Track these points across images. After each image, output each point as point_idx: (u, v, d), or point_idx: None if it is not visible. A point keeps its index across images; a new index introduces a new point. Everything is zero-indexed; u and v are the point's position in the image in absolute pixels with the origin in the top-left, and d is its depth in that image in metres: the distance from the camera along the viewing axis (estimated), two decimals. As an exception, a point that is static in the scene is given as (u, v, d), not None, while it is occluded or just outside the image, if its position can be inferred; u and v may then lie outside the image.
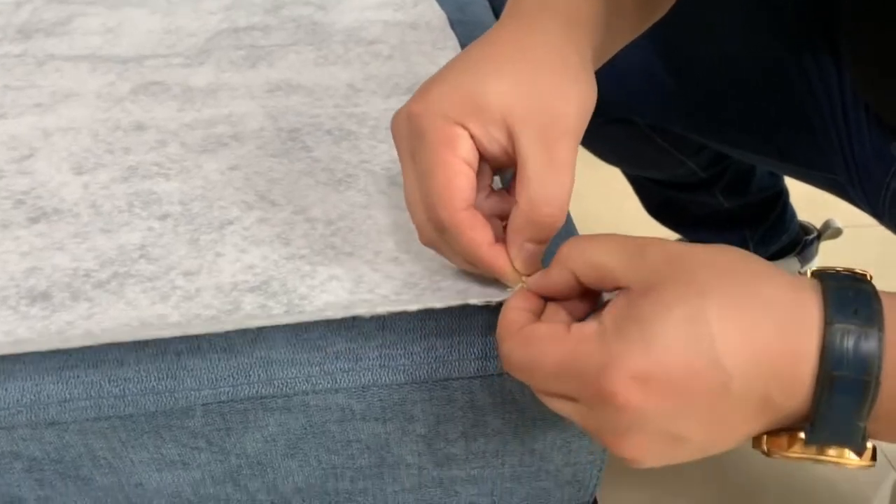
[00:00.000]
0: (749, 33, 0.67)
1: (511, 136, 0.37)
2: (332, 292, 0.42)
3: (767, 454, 0.33)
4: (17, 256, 0.45)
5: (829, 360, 0.30)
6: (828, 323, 0.30)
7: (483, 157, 0.38)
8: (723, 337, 0.30)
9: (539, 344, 0.33)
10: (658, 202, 1.02)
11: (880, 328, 0.30)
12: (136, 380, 0.40)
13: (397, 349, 0.41)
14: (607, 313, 0.32)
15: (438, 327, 0.42)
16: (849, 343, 0.30)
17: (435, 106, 0.37)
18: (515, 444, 0.44)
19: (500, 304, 0.39)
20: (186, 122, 0.56)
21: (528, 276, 0.38)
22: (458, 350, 0.41)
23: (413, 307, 0.39)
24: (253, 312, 0.41)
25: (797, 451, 0.32)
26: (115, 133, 0.55)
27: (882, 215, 0.65)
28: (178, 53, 0.64)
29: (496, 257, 0.38)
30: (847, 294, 0.31)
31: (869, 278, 0.32)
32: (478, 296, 0.40)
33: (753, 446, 0.33)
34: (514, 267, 0.38)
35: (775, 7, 0.64)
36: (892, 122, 0.58)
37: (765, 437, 0.33)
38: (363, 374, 0.40)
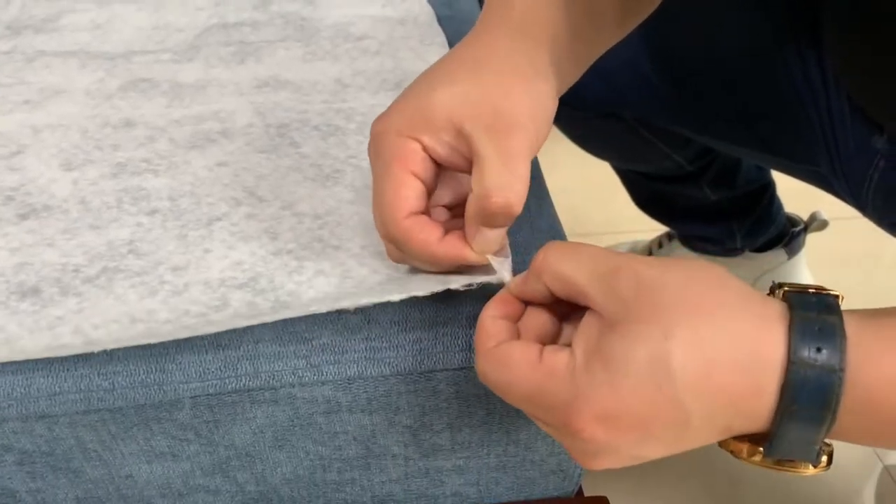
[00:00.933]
0: (736, 27, 0.68)
1: (463, 139, 0.37)
2: (318, 288, 0.42)
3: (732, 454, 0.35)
4: (6, 252, 0.45)
5: (789, 395, 0.31)
6: (791, 362, 0.31)
7: (446, 166, 0.39)
8: (684, 379, 0.31)
9: (512, 370, 0.34)
10: (647, 195, 1.03)
11: (841, 367, 0.31)
12: (125, 373, 0.40)
13: (382, 342, 0.41)
14: (578, 343, 0.33)
15: (423, 319, 0.42)
16: (809, 381, 0.31)
17: (389, 124, 0.39)
18: (500, 435, 0.45)
19: (482, 287, 0.39)
20: (175, 118, 0.56)
21: (494, 253, 0.39)
22: (443, 342, 0.42)
23: (396, 297, 0.39)
24: (240, 310, 0.41)
25: (756, 461, 0.34)
26: (104, 129, 0.55)
27: (865, 207, 0.66)
28: (167, 49, 0.65)
29: (450, 248, 0.39)
30: (812, 329, 0.31)
31: (840, 301, 0.33)
32: (459, 281, 0.40)
33: (720, 446, 0.35)
34: (473, 249, 0.39)
35: (764, 2, 0.65)
36: (877, 117, 0.59)
37: (730, 440, 0.34)
38: (349, 367, 0.41)
